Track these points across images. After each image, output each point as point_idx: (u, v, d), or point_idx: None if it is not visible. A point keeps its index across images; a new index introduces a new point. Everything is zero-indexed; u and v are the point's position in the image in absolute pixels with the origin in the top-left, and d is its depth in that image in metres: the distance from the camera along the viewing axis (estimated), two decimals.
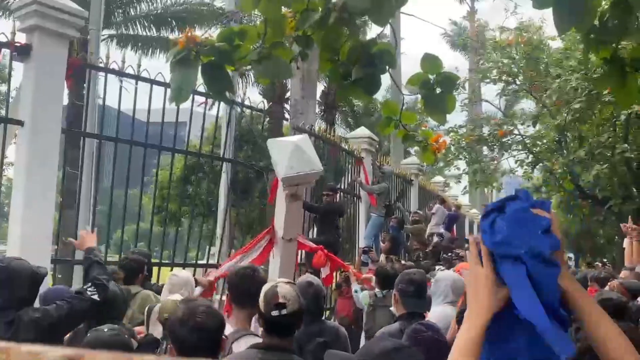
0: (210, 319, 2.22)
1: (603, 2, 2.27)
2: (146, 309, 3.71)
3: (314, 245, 5.55)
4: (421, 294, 3.78)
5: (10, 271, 2.95)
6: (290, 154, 4.41)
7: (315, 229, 8.63)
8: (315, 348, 3.36)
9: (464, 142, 16.37)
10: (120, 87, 6.50)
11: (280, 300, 2.49)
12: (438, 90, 2.28)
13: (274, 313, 2.48)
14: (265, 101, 9.27)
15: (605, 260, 20.36)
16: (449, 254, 10.24)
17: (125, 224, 7.18)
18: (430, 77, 2.27)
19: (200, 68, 2.04)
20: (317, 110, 25.08)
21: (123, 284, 4.28)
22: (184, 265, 7.39)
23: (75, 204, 7.55)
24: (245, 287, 3.02)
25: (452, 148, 16.63)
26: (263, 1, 2.06)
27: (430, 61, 2.27)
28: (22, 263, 3.06)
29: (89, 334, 2.57)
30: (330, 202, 8.41)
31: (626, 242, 7.30)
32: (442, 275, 4.52)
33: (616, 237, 17.31)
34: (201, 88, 5.50)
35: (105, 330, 2.55)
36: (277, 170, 4.55)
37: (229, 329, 2.81)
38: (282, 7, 2.18)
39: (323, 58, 2.35)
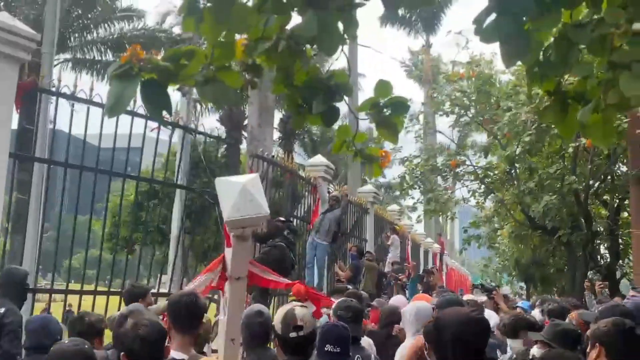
0: (152, 329, 2.49)
1: (549, 38, 2.37)
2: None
3: (289, 282, 5.25)
4: (358, 320, 4.03)
5: None
6: (237, 196, 4.33)
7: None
8: None
9: (418, 172, 16.63)
10: (72, 112, 6.39)
11: (299, 323, 2.77)
12: (388, 112, 2.37)
13: (292, 335, 2.76)
14: (222, 128, 9.25)
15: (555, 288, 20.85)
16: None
17: (76, 251, 6.99)
18: (382, 100, 2.38)
19: (140, 84, 2.02)
20: (275, 137, 25.16)
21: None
22: None
23: (23, 229, 7.33)
24: (187, 313, 3.06)
25: (407, 177, 16.86)
26: (205, 24, 2.04)
27: (382, 86, 2.38)
28: None
29: (52, 348, 2.63)
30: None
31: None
32: (407, 307, 4.50)
33: (565, 267, 17.75)
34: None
35: (66, 342, 2.67)
36: (223, 212, 4.45)
37: (176, 354, 2.85)
38: (236, 34, 2.17)
39: (277, 80, 2.37)
